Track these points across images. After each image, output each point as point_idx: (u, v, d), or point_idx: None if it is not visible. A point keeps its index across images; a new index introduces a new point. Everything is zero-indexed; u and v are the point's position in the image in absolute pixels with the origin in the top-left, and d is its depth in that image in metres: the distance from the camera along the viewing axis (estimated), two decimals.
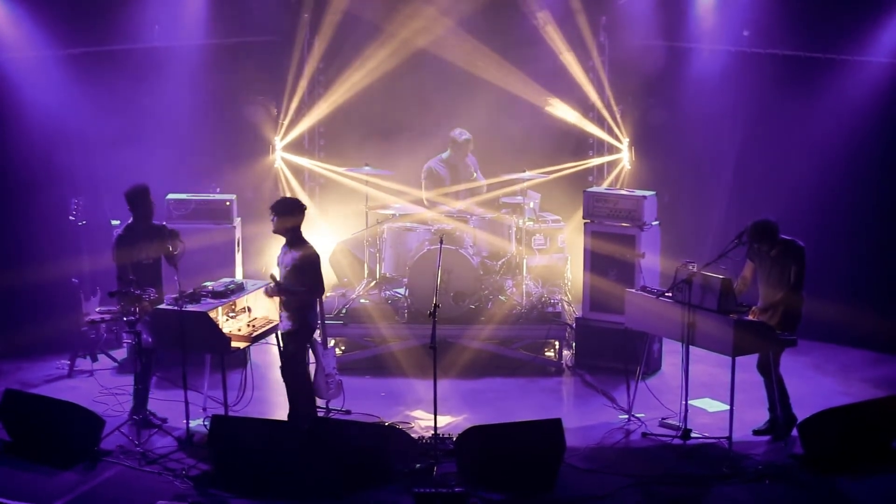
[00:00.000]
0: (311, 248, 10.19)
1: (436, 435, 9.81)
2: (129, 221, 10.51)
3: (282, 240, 10.22)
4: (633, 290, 10.80)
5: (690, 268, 10.00)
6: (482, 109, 14.13)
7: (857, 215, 12.93)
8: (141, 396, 10.38)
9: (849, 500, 9.11)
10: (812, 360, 12.21)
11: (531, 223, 13.34)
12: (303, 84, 14.85)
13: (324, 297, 10.87)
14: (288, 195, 10.64)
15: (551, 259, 13.51)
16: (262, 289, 10.31)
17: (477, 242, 12.66)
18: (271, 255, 14.62)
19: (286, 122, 14.85)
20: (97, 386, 11.47)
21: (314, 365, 10.74)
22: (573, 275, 13.66)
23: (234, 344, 10.05)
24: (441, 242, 10.70)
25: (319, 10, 14.57)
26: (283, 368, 10.28)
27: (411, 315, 12.26)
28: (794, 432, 10.06)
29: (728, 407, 9.97)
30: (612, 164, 14.85)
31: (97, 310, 12.33)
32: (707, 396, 11.14)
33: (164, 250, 10.42)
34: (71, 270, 12.33)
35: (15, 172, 12.80)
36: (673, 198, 13.35)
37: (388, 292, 12.75)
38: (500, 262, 12.80)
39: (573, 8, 14.29)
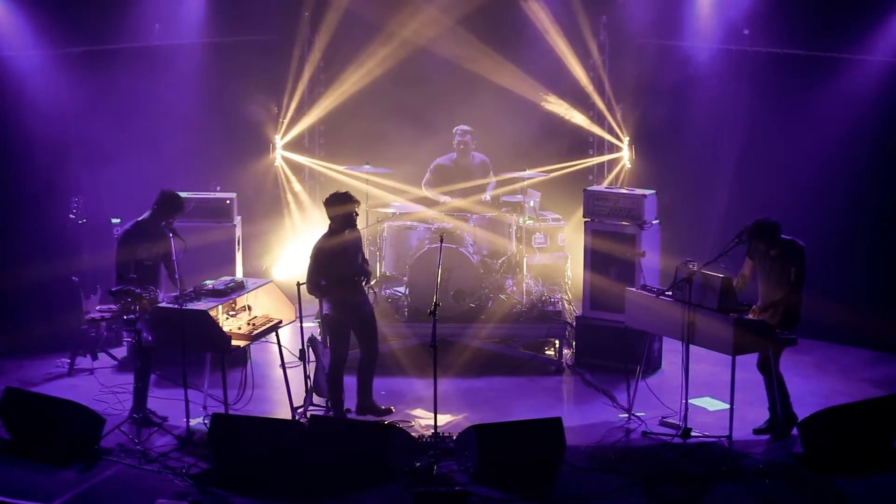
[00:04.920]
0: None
1: (436, 434, 9.82)
2: (143, 217, 10.47)
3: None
4: (634, 289, 10.79)
5: (691, 266, 9.99)
6: (482, 108, 14.14)
7: (857, 214, 12.93)
8: (141, 395, 10.37)
9: (849, 499, 9.10)
10: (812, 360, 12.21)
11: (531, 222, 13.35)
12: (303, 82, 14.86)
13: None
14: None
15: (551, 258, 13.51)
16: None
17: (477, 241, 12.66)
18: (271, 253, 14.68)
19: (286, 121, 14.87)
20: (97, 384, 11.47)
21: (314, 363, 10.75)
22: (573, 273, 13.66)
23: (234, 342, 10.06)
24: (441, 241, 10.69)
25: (320, 9, 14.59)
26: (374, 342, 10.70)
27: (411, 314, 12.27)
28: (795, 431, 10.07)
29: (728, 406, 9.96)
30: (612, 163, 14.86)
31: (97, 308, 12.32)
32: (707, 395, 11.14)
33: (165, 248, 10.42)
34: (71, 269, 12.33)
35: (15, 171, 12.81)
36: (673, 196, 13.33)
37: (388, 291, 12.75)
38: (500, 261, 12.80)
39: (573, 7, 14.31)
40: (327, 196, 10.59)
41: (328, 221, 10.55)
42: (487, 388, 11.63)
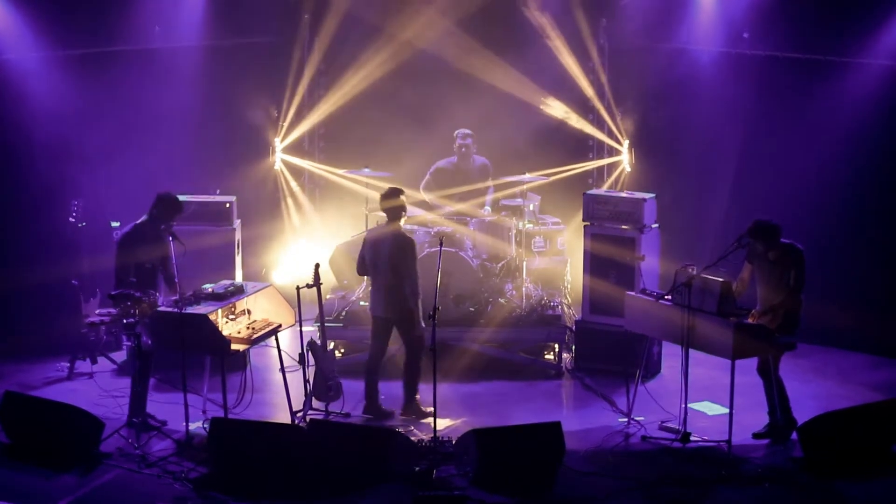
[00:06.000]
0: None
1: (435, 438, 9.83)
2: (142, 220, 10.47)
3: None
4: (633, 293, 10.79)
5: (690, 270, 9.99)
6: (482, 111, 14.13)
7: (857, 218, 12.92)
8: (140, 399, 10.37)
9: None
10: (812, 364, 12.20)
11: (531, 225, 13.35)
12: (303, 86, 14.87)
13: (325, 298, 10.96)
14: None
15: (551, 261, 13.52)
16: None
17: (477, 245, 12.66)
18: (271, 256, 14.68)
19: (286, 124, 14.87)
20: (96, 388, 11.47)
21: (313, 368, 10.75)
22: (573, 277, 13.66)
23: (233, 346, 10.06)
24: (441, 245, 10.69)
25: (319, 12, 14.60)
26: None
27: None
28: (794, 436, 10.06)
29: (728, 410, 9.97)
30: (612, 167, 14.87)
31: (97, 312, 12.31)
32: (706, 399, 11.13)
33: (164, 251, 10.40)
34: (71, 272, 12.32)
35: (15, 174, 12.81)
36: (673, 200, 13.33)
37: None
38: (499, 265, 12.80)
39: (573, 10, 14.32)
40: (386, 190, 10.95)
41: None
42: (487, 392, 11.63)
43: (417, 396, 10.76)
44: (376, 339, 10.97)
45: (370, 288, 11.04)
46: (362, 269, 11.04)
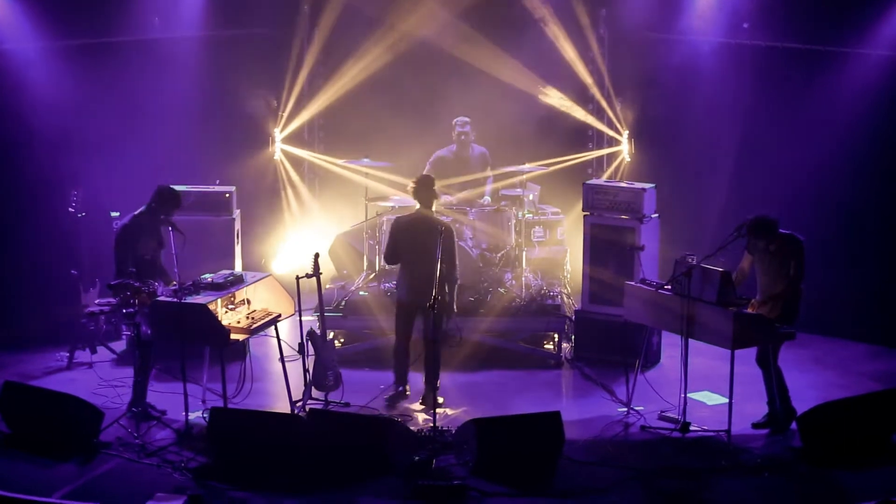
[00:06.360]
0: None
1: (435, 427, 9.82)
2: (140, 211, 10.46)
3: None
4: (633, 283, 10.79)
5: (689, 260, 9.99)
6: (482, 101, 14.13)
7: (856, 208, 12.92)
8: (140, 388, 10.37)
9: (847, 493, 9.10)
10: (811, 354, 12.20)
11: (530, 215, 13.35)
12: (302, 76, 14.87)
13: (324, 287, 10.93)
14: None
15: (550, 251, 13.53)
16: None
17: (476, 234, 12.66)
18: (270, 246, 14.69)
19: (286, 114, 14.87)
20: (96, 378, 11.47)
21: (313, 357, 10.75)
22: (572, 267, 13.67)
23: (233, 336, 10.05)
24: (441, 234, 10.68)
25: (319, 2, 14.61)
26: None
27: None
28: (793, 425, 10.07)
29: (727, 400, 9.97)
30: (611, 157, 14.87)
31: (96, 302, 12.31)
32: (706, 389, 11.13)
33: (161, 245, 10.42)
34: (70, 262, 12.31)
35: (14, 164, 12.81)
36: (672, 190, 13.31)
37: (387, 284, 12.73)
38: (499, 255, 12.80)
39: (573, 0, 14.30)
40: (420, 178, 10.94)
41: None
42: (486, 381, 11.63)
43: (438, 385, 10.75)
44: (405, 327, 10.95)
45: (404, 276, 10.93)
46: (394, 257, 10.95)
